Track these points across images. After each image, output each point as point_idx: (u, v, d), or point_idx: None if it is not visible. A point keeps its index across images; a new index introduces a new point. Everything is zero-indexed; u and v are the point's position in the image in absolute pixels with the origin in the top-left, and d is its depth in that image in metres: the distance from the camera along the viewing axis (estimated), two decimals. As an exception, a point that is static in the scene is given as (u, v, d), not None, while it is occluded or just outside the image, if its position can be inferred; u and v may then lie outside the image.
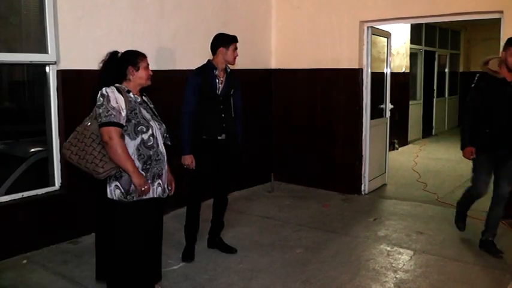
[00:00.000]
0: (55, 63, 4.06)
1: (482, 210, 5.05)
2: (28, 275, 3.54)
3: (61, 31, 4.02)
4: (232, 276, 3.51)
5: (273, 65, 6.34)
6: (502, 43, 4.70)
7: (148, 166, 2.80)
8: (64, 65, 4.07)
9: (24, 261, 3.77)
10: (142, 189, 2.71)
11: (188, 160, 3.67)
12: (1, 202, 3.85)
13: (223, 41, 3.74)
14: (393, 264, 3.71)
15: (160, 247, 3.14)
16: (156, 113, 3.00)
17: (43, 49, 4.04)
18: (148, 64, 2.91)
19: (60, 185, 4.21)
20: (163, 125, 2.96)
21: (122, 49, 2.96)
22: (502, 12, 4.68)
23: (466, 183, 6.35)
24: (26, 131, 4.91)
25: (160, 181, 2.88)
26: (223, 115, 3.76)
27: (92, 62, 4.18)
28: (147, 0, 4.69)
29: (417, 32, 9.95)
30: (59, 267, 3.66)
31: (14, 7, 4.13)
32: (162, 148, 2.90)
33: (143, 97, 2.99)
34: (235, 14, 5.71)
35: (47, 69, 4.08)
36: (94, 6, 4.22)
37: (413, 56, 9.82)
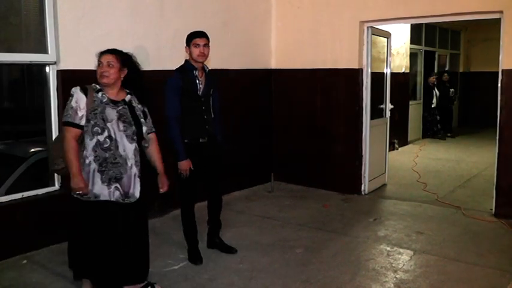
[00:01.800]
0: (55, 63, 4.06)
1: (483, 210, 5.07)
2: (28, 275, 3.54)
3: (61, 31, 4.01)
4: (232, 276, 3.51)
5: (273, 65, 6.33)
6: (502, 43, 4.72)
7: (104, 168, 2.80)
8: (64, 65, 4.06)
9: (24, 261, 3.77)
10: (77, 192, 2.77)
11: (186, 165, 3.56)
12: (1, 202, 3.85)
13: (186, 41, 3.69)
14: (393, 265, 3.71)
15: (134, 251, 3.02)
16: (141, 114, 2.96)
17: (43, 49, 4.03)
18: (101, 61, 2.87)
19: (60, 185, 4.21)
20: (133, 127, 2.88)
21: (121, 49, 2.96)
22: (502, 12, 4.68)
23: (466, 183, 6.39)
24: (26, 131, 4.92)
25: (118, 185, 2.83)
26: (205, 116, 3.69)
27: (92, 62, 4.19)
28: (147, 0, 4.69)
29: (417, 32, 9.95)
30: (58, 268, 3.65)
31: (14, 7, 4.12)
32: (123, 151, 2.84)
33: (128, 96, 2.95)
34: (235, 14, 5.71)
35: (47, 69, 4.08)
36: (94, 6, 4.22)
37: (413, 56, 9.82)
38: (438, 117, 10.46)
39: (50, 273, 3.57)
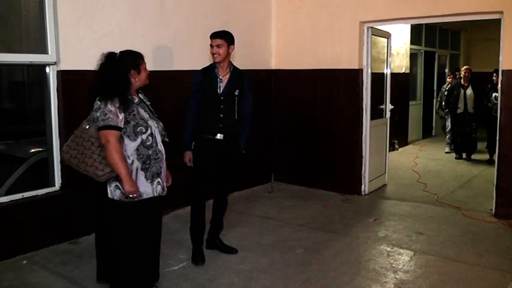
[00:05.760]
0: (55, 63, 4.06)
1: (483, 210, 5.07)
2: (28, 275, 3.54)
3: (61, 31, 4.01)
4: (232, 277, 3.51)
5: (273, 65, 6.33)
6: (502, 44, 4.72)
7: (147, 166, 2.82)
8: (64, 66, 4.06)
9: (24, 262, 3.76)
10: (131, 196, 2.74)
11: (186, 157, 3.74)
12: (1, 202, 3.85)
13: None
14: (393, 265, 3.71)
15: (159, 246, 3.14)
16: (152, 110, 3.02)
17: (43, 49, 4.03)
18: (146, 63, 2.96)
19: (60, 185, 4.21)
20: (160, 123, 2.98)
21: (121, 49, 2.96)
22: (502, 12, 4.68)
23: (467, 183, 6.39)
24: (26, 131, 4.91)
25: (159, 179, 2.91)
26: (221, 115, 3.73)
27: (92, 62, 4.18)
28: (147, 0, 4.69)
29: (417, 33, 9.95)
30: (58, 268, 3.65)
31: (14, 7, 4.12)
32: (160, 146, 2.92)
33: (139, 95, 2.99)
34: (235, 14, 5.71)
35: (47, 69, 4.08)
36: (94, 6, 4.22)
37: (413, 56, 9.82)
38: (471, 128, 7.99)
39: (50, 273, 3.56)
